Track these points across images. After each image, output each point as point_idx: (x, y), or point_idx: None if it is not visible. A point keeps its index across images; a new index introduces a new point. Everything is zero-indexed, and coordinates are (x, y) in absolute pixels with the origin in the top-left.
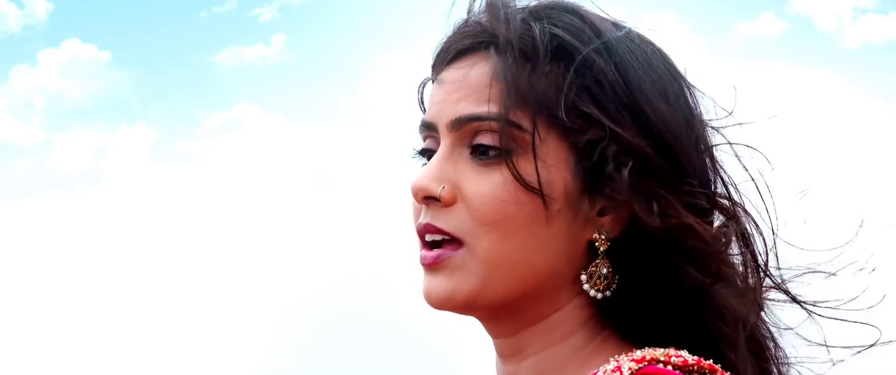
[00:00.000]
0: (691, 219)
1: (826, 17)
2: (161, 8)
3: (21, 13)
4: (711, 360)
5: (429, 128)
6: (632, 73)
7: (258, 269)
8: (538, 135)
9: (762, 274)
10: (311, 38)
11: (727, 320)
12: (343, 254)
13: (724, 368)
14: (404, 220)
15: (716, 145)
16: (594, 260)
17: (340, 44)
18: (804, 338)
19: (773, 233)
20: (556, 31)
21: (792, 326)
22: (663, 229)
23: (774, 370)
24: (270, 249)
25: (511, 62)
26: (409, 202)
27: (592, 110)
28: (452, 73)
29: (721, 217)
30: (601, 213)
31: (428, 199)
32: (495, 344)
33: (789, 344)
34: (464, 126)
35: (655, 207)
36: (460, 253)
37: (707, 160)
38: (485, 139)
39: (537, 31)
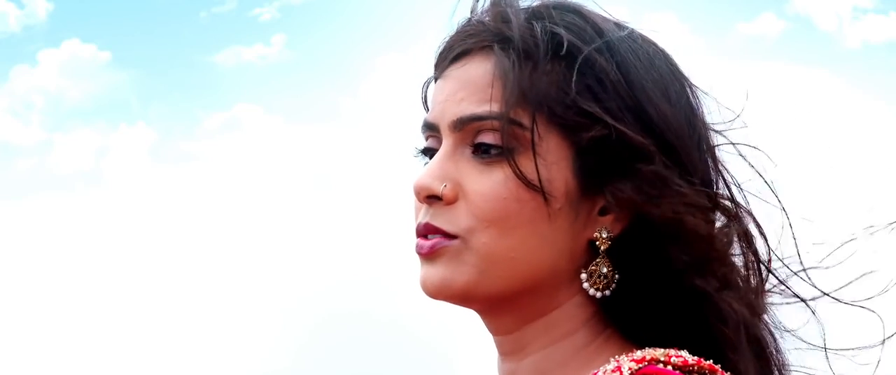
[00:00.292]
0: (693, 219)
1: (826, 17)
2: (161, 8)
3: (21, 13)
4: (712, 360)
5: (431, 129)
6: (633, 73)
7: (258, 269)
8: (539, 133)
9: (764, 274)
10: (311, 38)
11: (729, 321)
12: (343, 254)
13: (725, 369)
14: (404, 220)
15: (718, 145)
16: (595, 259)
17: (340, 44)
18: (805, 341)
19: (790, 228)
20: (558, 30)
21: (793, 328)
22: (665, 228)
23: (776, 371)
24: (270, 249)
25: (513, 61)
26: (411, 201)
27: (594, 109)
28: (454, 73)
29: (723, 217)
30: (602, 212)
31: (430, 198)
32: (496, 342)
33: (790, 346)
34: (466, 126)
35: (657, 207)
36: (456, 243)
37: (709, 160)
38: (487, 138)
39: (538, 30)
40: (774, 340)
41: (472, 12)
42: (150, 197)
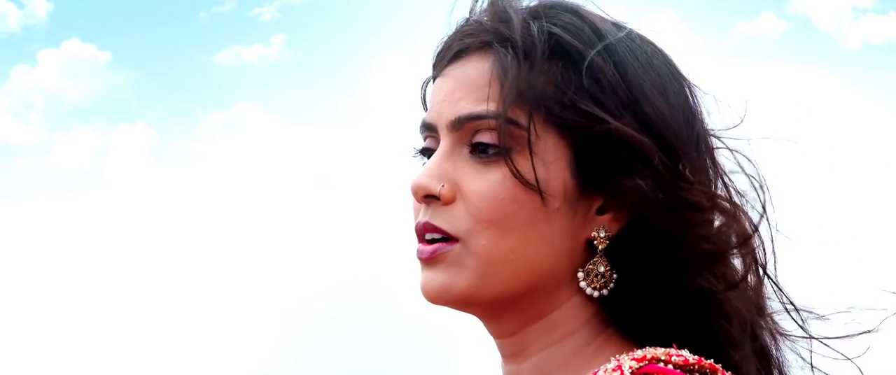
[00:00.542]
0: (691, 218)
1: (826, 17)
2: (161, 8)
3: (21, 13)
4: (712, 360)
5: (429, 129)
6: (631, 72)
7: (258, 269)
8: (536, 132)
9: (762, 274)
10: (311, 38)
11: (733, 319)
12: (343, 254)
13: (726, 368)
14: (404, 220)
15: (717, 148)
16: (593, 259)
17: (340, 44)
18: (803, 340)
19: (772, 231)
20: (555, 29)
21: (793, 329)
22: (663, 228)
23: (776, 372)
24: (270, 249)
25: (510, 60)
26: (410, 201)
27: (592, 108)
28: (452, 72)
29: (721, 217)
30: (600, 211)
31: (428, 198)
32: (497, 345)
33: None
34: (463, 125)
35: (655, 206)
36: (457, 248)
37: (707, 160)
38: (484, 137)
39: (536, 30)
40: (775, 340)
41: (470, 12)
42: (150, 197)
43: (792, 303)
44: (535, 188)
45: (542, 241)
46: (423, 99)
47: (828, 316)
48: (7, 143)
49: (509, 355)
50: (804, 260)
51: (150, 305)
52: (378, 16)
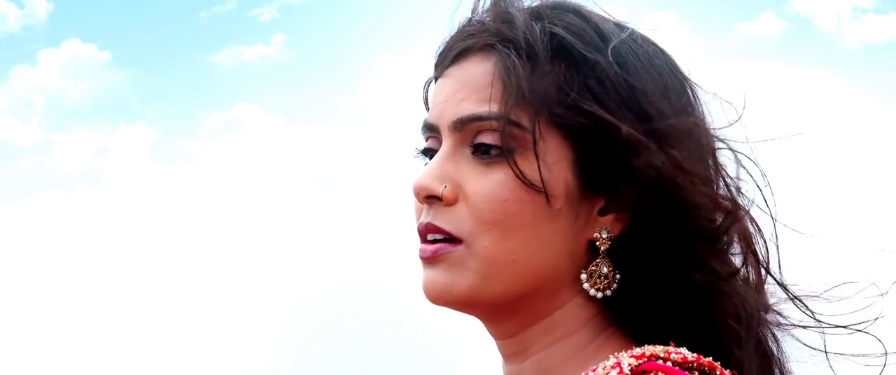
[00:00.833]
0: (692, 218)
1: (826, 17)
2: (161, 8)
3: (21, 13)
4: (712, 358)
5: (431, 129)
6: (633, 73)
7: (258, 269)
8: (539, 133)
9: (764, 273)
10: (311, 38)
11: (732, 318)
12: (343, 254)
13: (727, 366)
14: (404, 220)
15: (719, 148)
16: (595, 260)
17: (340, 44)
18: (802, 342)
19: (774, 226)
20: (557, 30)
21: (793, 325)
22: (665, 228)
23: (777, 371)
24: (270, 249)
25: (512, 61)
26: (411, 202)
27: (594, 109)
28: (454, 73)
29: (723, 216)
30: (602, 212)
31: (430, 198)
32: (498, 345)
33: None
34: (466, 126)
35: (656, 207)
36: (460, 249)
37: (709, 159)
38: (486, 138)
39: (538, 31)
40: (776, 339)
41: (472, 12)
42: (150, 197)
43: (796, 297)
44: (539, 189)
45: (544, 242)
46: (425, 99)
47: (828, 297)
48: (7, 143)
49: (510, 355)
50: (804, 260)
51: (150, 305)
52: (378, 16)
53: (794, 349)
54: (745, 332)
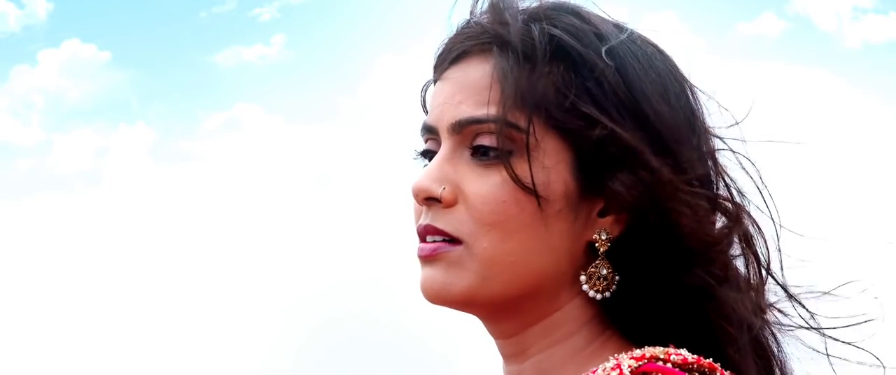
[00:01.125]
0: (692, 220)
1: (826, 17)
2: (161, 8)
3: (21, 13)
4: (711, 359)
5: (430, 131)
6: (632, 74)
7: (258, 269)
8: (537, 136)
9: (765, 275)
10: (311, 38)
11: (732, 320)
12: (343, 254)
13: (726, 367)
14: (404, 220)
15: (719, 149)
16: (594, 261)
17: (340, 44)
18: (804, 342)
19: (777, 231)
20: (556, 32)
21: (795, 326)
22: (663, 231)
23: (777, 371)
24: (270, 249)
25: (510, 63)
26: (410, 202)
27: (592, 111)
28: (453, 75)
29: (723, 218)
30: (602, 214)
31: (429, 200)
32: (498, 345)
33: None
34: (464, 128)
35: (655, 209)
36: (458, 249)
37: (709, 161)
38: (485, 140)
39: (537, 33)
40: (776, 340)
41: (470, 14)
42: (150, 197)
43: (794, 296)
44: (532, 192)
45: (544, 244)
46: (424, 101)
47: (833, 293)
48: (7, 143)
49: (509, 355)
50: (804, 261)
51: (150, 305)
52: (378, 16)
53: (796, 348)
54: (740, 334)
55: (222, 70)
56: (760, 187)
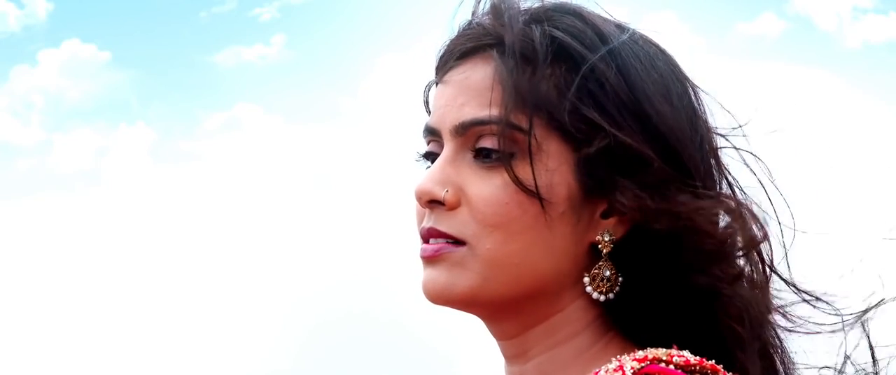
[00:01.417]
0: (695, 221)
1: (826, 17)
2: (161, 8)
3: (21, 13)
4: (714, 361)
5: (432, 133)
6: (634, 75)
7: (258, 269)
8: (539, 138)
9: (769, 274)
10: (311, 38)
11: (736, 320)
12: (343, 254)
13: (730, 369)
14: (404, 220)
15: (721, 148)
16: (598, 262)
17: (340, 44)
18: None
19: (782, 233)
20: (557, 33)
21: (798, 327)
22: (667, 232)
23: (781, 371)
24: (270, 249)
25: (512, 65)
26: (413, 206)
27: (594, 113)
28: (455, 77)
29: (727, 218)
30: (605, 215)
31: (432, 203)
32: (500, 346)
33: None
34: (467, 130)
35: (658, 210)
36: (462, 250)
37: (712, 161)
38: (487, 142)
39: (538, 34)
40: (780, 341)
41: (472, 15)
42: (150, 197)
43: (807, 293)
44: (534, 194)
45: (547, 245)
46: (426, 102)
47: (834, 294)
48: (7, 143)
49: (512, 356)
50: (804, 260)
51: (150, 305)
52: (378, 16)
53: (796, 347)
54: (745, 334)
55: (222, 70)
56: (764, 185)
